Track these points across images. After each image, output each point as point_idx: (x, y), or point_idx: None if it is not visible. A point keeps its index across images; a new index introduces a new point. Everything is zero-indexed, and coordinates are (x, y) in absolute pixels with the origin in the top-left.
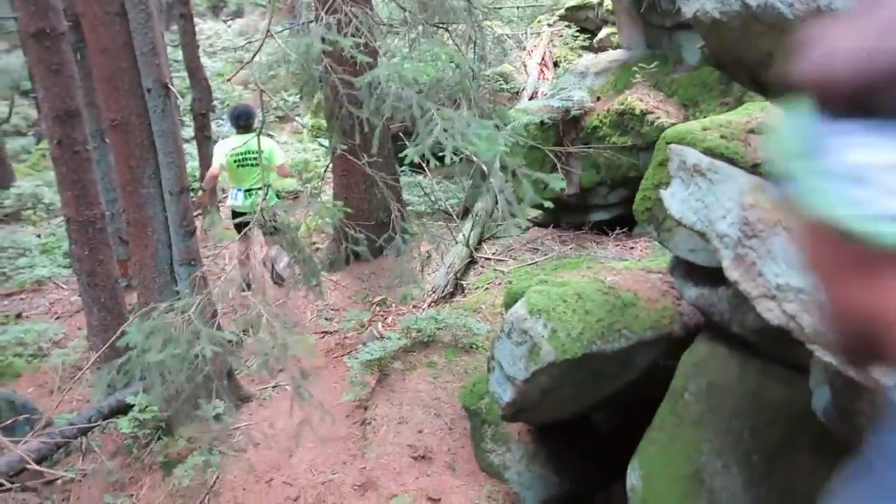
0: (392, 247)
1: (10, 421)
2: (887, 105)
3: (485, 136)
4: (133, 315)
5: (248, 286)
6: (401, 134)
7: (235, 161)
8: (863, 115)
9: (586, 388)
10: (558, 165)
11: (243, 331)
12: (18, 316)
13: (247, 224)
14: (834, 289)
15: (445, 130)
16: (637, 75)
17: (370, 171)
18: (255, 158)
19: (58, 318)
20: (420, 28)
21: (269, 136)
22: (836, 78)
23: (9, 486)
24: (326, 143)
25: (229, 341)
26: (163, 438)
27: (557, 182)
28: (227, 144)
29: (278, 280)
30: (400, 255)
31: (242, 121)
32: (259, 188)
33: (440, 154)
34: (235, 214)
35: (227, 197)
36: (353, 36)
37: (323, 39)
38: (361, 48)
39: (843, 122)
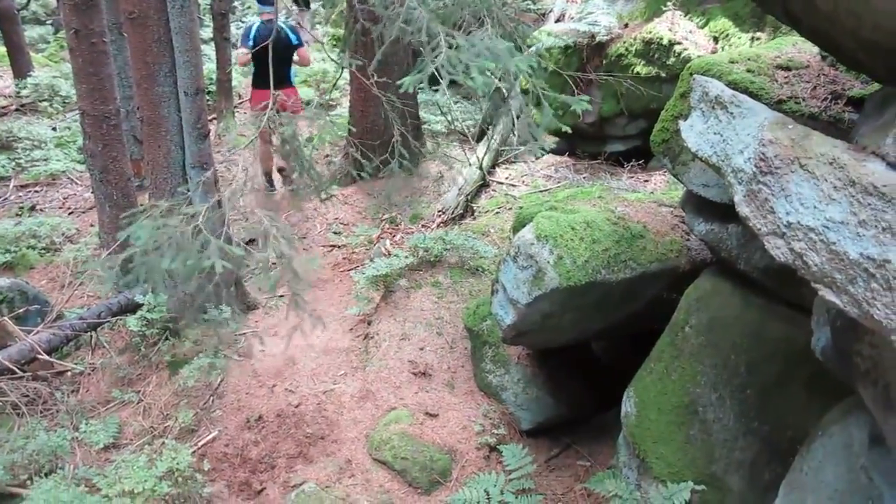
0: (388, 170)
1: (21, 310)
2: None
3: (488, 66)
4: (136, 214)
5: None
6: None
7: None
8: None
9: (588, 315)
10: (575, 92)
11: (250, 241)
12: (32, 208)
13: None
14: None
15: (450, 63)
16: (668, 3)
17: (378, 92)
18: None
19: (71, 212)
20: None
21: None
22: None
23: (20, 374)
24: (340, 55)
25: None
26: (170, 339)
27: (581, 104)
28: None
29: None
30: (394, 177)
31: None
32: None
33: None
34: None
35: (241, 102)
36: None
37: None
38: None
39: None
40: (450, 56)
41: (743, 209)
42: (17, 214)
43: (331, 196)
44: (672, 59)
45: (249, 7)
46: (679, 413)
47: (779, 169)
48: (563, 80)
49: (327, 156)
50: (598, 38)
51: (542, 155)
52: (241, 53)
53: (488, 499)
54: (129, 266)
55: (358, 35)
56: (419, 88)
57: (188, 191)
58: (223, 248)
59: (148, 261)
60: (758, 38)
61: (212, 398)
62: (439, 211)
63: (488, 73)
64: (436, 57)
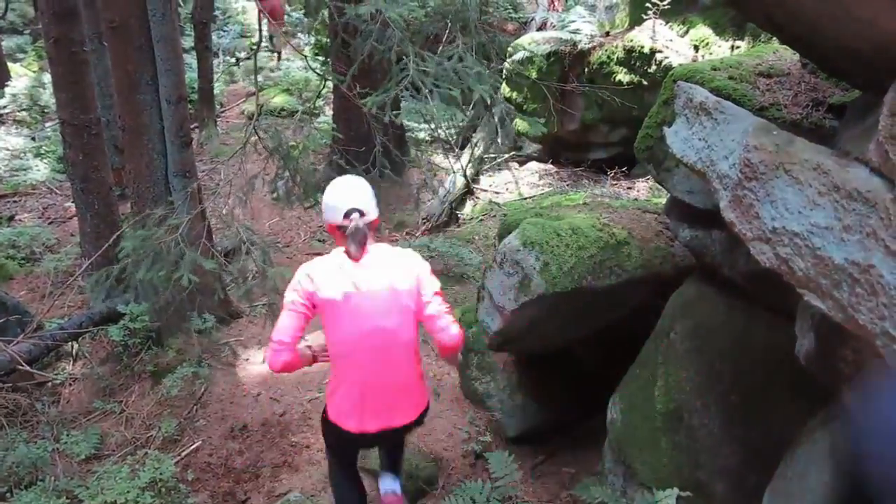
0: (369, 179)
1: (1, 321)
2: None
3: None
4: (127, 224)
5: None
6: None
7: None
8: None
9: (574, 322)
10: (551, 102)
11: (231, 251)
12: (11, 218)
13: None
14: None
15: (413, 87)
16: (649, 12)
17: (359, 103)
18: None
19: (51, 222)
20: None
21: None
22: None
23: (0, 385)
24: (321, 64)
25: (212, 268)
26: (153, 348)
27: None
28: None
29: None
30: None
31: None
32: None
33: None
34: None
35: (224, 110)
36: None
37: None
38: None
39: None
40: (414, 78)
41: (728, 215)
42: None
43: (315, 203)
44: (653, 68)
45: (230, 17)
46: (664, 419)
47: (764, 174)
48: (546, 87)
49: (311, 163)
50: (580, 47)
51: (521, 165)
52: None
53: None
54: (121, 278)
55: (338, 46)
56: (402, 96)
57: (172, 201)
58: (196, 261)
59: (132, 271)
60: (737, 47)
61: (195, 408)
62: (424, 218)
63: (452, 91)
64: (402, 80)
